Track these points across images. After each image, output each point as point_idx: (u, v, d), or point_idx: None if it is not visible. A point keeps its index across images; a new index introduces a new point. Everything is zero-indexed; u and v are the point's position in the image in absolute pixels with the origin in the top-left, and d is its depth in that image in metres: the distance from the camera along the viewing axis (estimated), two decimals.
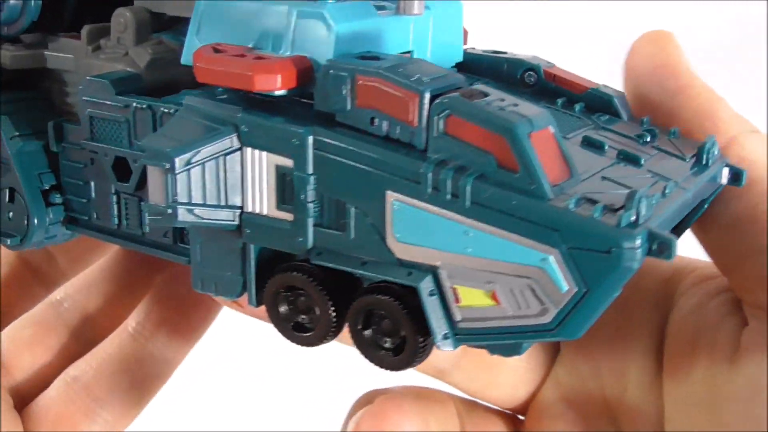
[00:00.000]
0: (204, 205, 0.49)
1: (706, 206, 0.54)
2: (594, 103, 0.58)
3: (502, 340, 0.46)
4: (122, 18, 0.58)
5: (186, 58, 0.54)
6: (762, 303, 0.52)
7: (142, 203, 0.55)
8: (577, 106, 0.58)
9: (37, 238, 0.58)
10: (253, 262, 0.51)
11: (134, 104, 0.54)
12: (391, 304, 0.47)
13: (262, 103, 0.50)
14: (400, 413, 0.56)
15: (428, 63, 0.49)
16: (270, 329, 0.66)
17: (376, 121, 0.47)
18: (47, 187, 0.59)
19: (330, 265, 0.48)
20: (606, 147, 0.52)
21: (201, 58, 0.50)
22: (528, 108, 0.46)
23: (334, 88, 0.47)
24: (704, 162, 0.53)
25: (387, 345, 0.49)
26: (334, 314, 0.49)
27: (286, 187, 0.49)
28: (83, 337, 0.70)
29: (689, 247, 0.60)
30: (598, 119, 0.57)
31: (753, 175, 0.52)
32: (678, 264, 0.59)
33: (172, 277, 0.71)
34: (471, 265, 0.45)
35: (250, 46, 0.52)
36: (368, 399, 0.59)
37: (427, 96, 0.45)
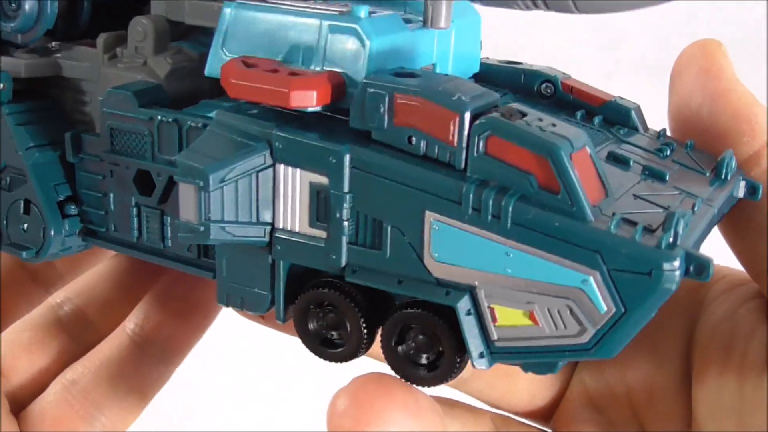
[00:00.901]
0: (236, 222, 0.49)
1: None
2: (612, 115, 0.59)
3: (538, 358, 0.46)
4: (140, 27, 0.57)
5: (210, 70, 0.53)
6: None
7: (174, 219, 0.54)
8: (596, 119, 0.58)
9: (54, 250, 0.57)
10: (282, 279, 0.51)
11: (159, 117, 0.53)
12: (432, 319, 0.47)
13: (295, 119, 0.50)
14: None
15: (464, 80, 0.49)
16: (274, 337, 0.66)
17: (414, 139, 0.47)
18: (63, 198, 0.58)
19: (366, 284, 0.48)
20: (631, 162, 0.52)
21: (233, 72, 0.49)
22: (566, 128, 0.46)
23: (371, 106, 0.47)
24: (723, 176, 0.54)
25: (422, 361, 0.49)
26: (365, 330, 0.50)
27: (320, 205, 0.48)
28: (82, 341, 0.69)
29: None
30: (617, 132, 0.57)
31: None
32: None
33: (171, 279, 0.70)
34: (510, 285, 0.45)
35: (279, 59, 0.51)
36: None
37: (468, 116, 0.45)
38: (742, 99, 0.57)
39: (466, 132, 0.45)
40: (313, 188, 0.48)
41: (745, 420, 0.53)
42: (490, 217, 0.44)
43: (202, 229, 0.48)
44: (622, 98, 0.60)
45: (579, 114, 0.58)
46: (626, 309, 0.43)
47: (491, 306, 0.46)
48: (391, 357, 0.49)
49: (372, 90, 0.47)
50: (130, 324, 0.68)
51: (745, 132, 0.56)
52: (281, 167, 0.49)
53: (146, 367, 0.67)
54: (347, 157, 0.47)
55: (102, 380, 0.66)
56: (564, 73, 0.62)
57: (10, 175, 0.58)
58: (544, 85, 0.61)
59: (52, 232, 0.57)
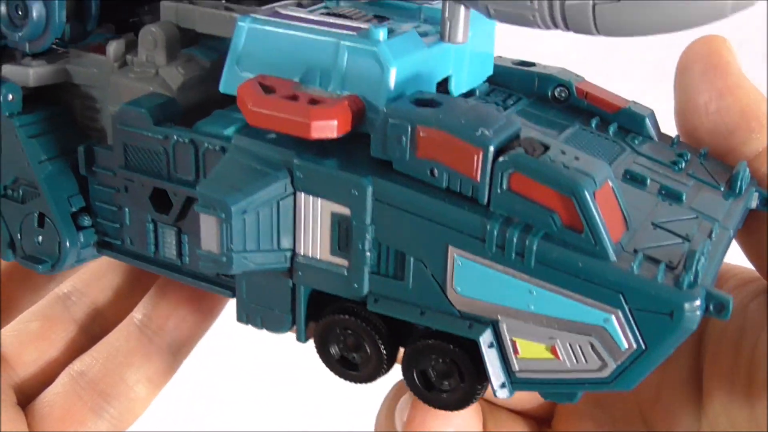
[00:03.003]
0: (257, 250, 0.49)
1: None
2: (626, 122, 0.59)
3: (558, 389, 0.47)
4: (150, 35, 0.56)
5: (225, 87, 0.53)
6: None
7: (191, 237, 0.54)
8: (611, 128, 0.58)
9: (69, 262, 0.57)
10: (303, 303, 0.51)
11: (175, 137, 0.52)
12: (454, 350, 0.48)
13: (314, 143, 0.49)
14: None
15: (484, 107, 0.49)
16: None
17: (437, 172, 0.47)
18: (76, 210, 0.57)
19: (388, 314, 0.49)
20: (648, 181, 0.52)
21: (251, 98, 0.48)
22: (589, 162, 0.46)
23: (393, 137, 0.47)
24: (738, 190, 0.54)
25: (443, 387, 0.50)
26: (385, 355, 0.50)
27: (342, 234, 0.48)
28: (90, 332, 0.68)
29: None
30: (632, 142, 0.57)
31: None
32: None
33: None
34: (533, 320, 0.46)
35: (297, 80, 0.51)
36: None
37: (491, 151, 0.45)
38: (750, 95, 0.57)
39: (489, 168, 0.45)
40: (335, 218, 0.48)
41: (756, 412, 0.54)
42: (514, 255, 0.45)
43: (224, 259, 0.48)
44: (636, 104, 0.60)
45: (594, 122, 0.58)
46: (647, 347, 0.44)
47: (513, 339, 0.46)
48: (411, 382, 0.50)
49: (393, 121, 0.47)
50: (137, 314, 0.67)
51: (754, 128, 0.56)
52: (302, 195, 0.49)
53: (155, 358, 0.66)
54: (370, 190, 0.47)
55: (110, 371, 0.65)
56: (577, 76, 0.61)
57: (22, 188, 0.57)
58: (558, 90, 0.60)
59: (68, 244, 0.57)
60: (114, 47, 0.57)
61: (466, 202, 0.46)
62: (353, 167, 0.48)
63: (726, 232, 0.51)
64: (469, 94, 0.58)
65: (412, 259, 0.47)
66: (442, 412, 0.54)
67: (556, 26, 0.48)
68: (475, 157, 0.45)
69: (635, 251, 0.45)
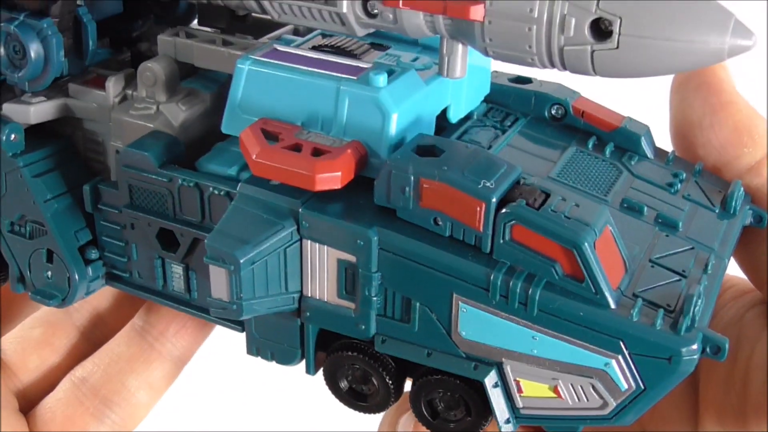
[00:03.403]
0: (266, 296, 0.50)
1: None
2: (622, 141, 0.60)
3: (561, 423, 0.49)
4: (150, 72, 0.56)
5: (227, 128, 0.53)
6: None
7: (199, 274, 0.55)
8: (608, 149, 0.59)
9: (79, 296, 0.58)
10: (312, 339, 0.53)
11: (180, 181, 0.53)
12: (460, 387, 0.49)
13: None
14: None
15: (485, 153, 0.50)
16: None
17: (440, 221, 0.48)
18: (83, 243, 0.58)
19: (396, 355, 0.50)
20: (645, 210, 0.54)
21: (255, 148, 0.49)
22: (589, 210, 0.47)
23: (396, 188, 0.48)
24: (732, 210, 0.56)
25: (449, 417, 0.52)
26: (392, 389, 0.52)
27: (349, 279, 0.50)
28: (92, 338, 0.69)
29: None
30: (628, 162, 0.58)
31: None
32: None
33: None
34: (535, 363, 0.47)
35: (299, 124, 0.51)
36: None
37: (494, 202, 0.46)
38: (742, 111, 0.58)
39: (492, 219, 0.46)
40: (341, 264, 0.49)
41: (750, 423, 0.56)
42: (517, 305, 0.46)
43: (234, 307, 0.49)
44: (631, 120, 0.61)
45: (591, 143, 0.59)
46: (646, 387, 0.46)
47: (517, 379, 0.48)
48: (419, 412, 0.52)
49: (397, 173, 0.48)
50: (138, 320, 0.67)
51: (746, 143, 0.58)
52: (308, 243, 0.50)
53: (156, 364, 0.67)
54: (375, 240, 0.48)
55: (112, 377, 0.65)
56: (573, 92, 0.62)
57: (28, 224, 0.58)
58: (554, 108, 0.61)
59: (77, 278, 0.57)
60: (113, 83, 0.57)
61: (469, 250, 0.47)
62: (358, 216, 0.49)
63: (721, 262, 0.52)
64: (467, 117, 0.59)
65: (417, 304, 0.49)
66: None
67: (553, 66, 0.49)
68: (478, 209, 0.46)
69: (634, 295, 0.47)
